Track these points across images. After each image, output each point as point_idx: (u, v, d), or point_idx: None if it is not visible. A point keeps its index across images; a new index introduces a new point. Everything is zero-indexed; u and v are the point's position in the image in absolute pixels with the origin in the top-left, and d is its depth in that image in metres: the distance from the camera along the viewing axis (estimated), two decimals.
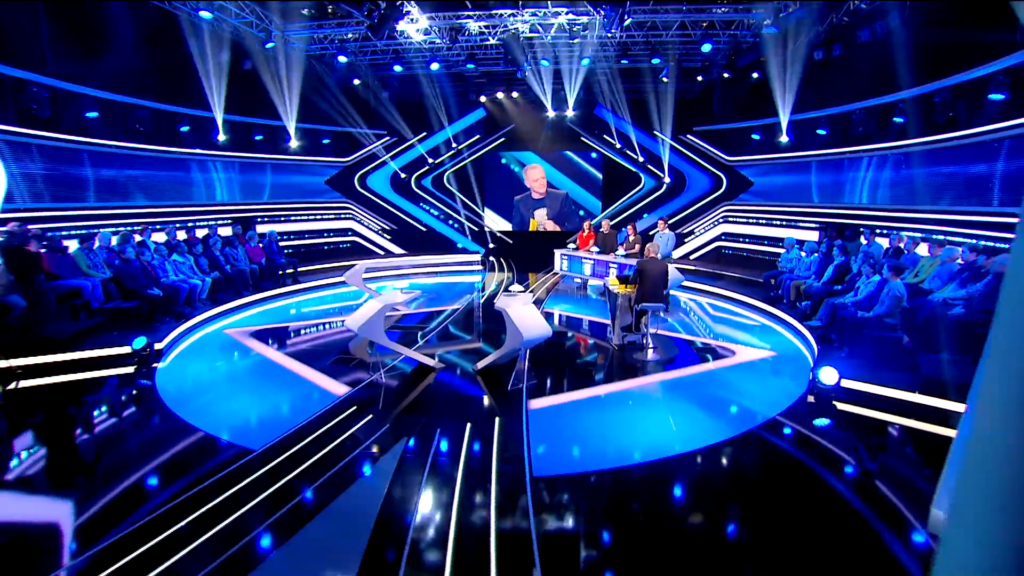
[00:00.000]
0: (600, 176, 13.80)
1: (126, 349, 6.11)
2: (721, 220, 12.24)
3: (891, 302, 5.30)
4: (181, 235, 9.57)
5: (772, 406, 4.94)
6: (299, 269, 10.52)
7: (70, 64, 7.80)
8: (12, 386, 5.40)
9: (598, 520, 3.33)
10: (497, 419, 4.67)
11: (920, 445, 4.35)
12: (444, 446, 4.19)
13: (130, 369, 6.04)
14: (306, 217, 12.66)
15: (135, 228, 8.87)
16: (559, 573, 2.82)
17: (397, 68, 11.72)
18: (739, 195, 11.93)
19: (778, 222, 10.90)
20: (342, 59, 10.70)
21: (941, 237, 6.77)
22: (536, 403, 5.03)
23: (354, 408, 4.84)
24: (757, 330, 7.70)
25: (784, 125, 9.71)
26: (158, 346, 6.37)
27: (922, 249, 7.10)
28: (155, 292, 7.18)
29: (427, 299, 9.60)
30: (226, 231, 10.63)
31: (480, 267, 12.97)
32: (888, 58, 7.52)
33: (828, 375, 4.97)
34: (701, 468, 4.01)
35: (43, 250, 6.35)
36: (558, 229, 13.99)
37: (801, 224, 10.42)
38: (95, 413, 4.97)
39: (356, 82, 12.02)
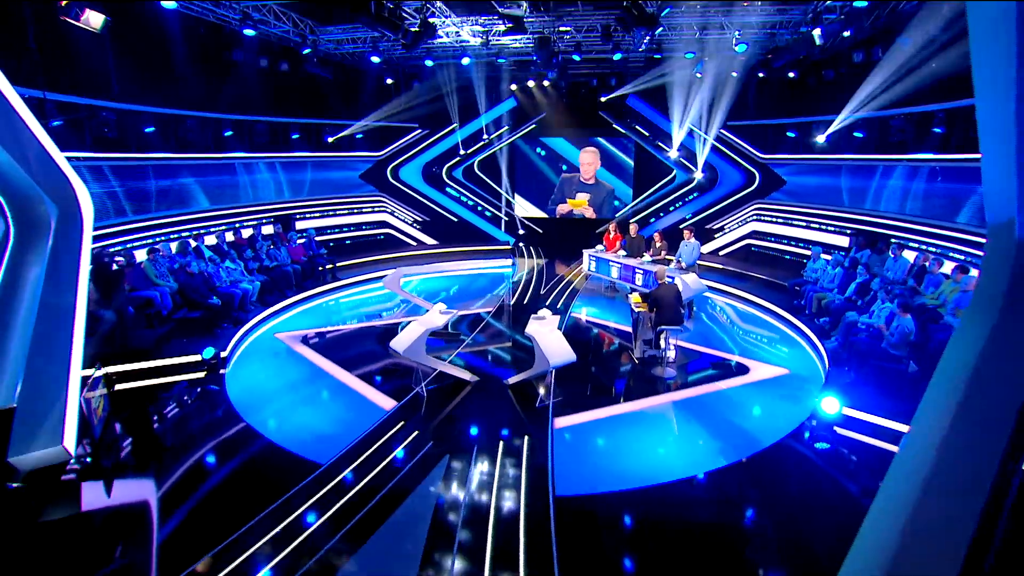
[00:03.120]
0: (632, 164, 14.18)
1: (196, 357, 7.20)
2: (753, 218, 12.54)
3: (899, 338, 5.82)
4: (229, 236, 10.63)
5: (773, 432, 5.63)
6: (337, 265, 11.49)
7: (131, 86, 8.70)
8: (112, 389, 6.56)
9: (614, 539, 4.17)
10: (526, 438, 5.52)
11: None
12: (481, 462, 5.07)
13: (201, 374, 7.15)
14: (343, 211, 13.57)
15: (191, 234, 9.94)
16: None
17: (428, 63, 12.27)
18: (771, 193, 12.17)
19: (810, 224, 11.18)
20: (375, 59, 11.29)
21: (963, 258, 7.08)
22: (561, 421, 5.85)
23: (402, 424, 5.77)
24: (776, 341, 8.27)
25: (839, 124, 9.58)
26: (223, 354, 7.43)
27: (947, 268, 7.41)
28: (214, 301, 8.23)
29: (461, 299, 10.46)
30: (268, 229, 11.65)
31: (511, 256, 13.76)
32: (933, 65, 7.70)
33: (830, 404, 5.59)
34: (702, 494, 4.77)
35: (123, 266, 7.40)
36: (593, 216, 14.54)
37: (831, 228, 10.70)
38: (188, 423, 6.05)
39: (389, 82, 12.63)
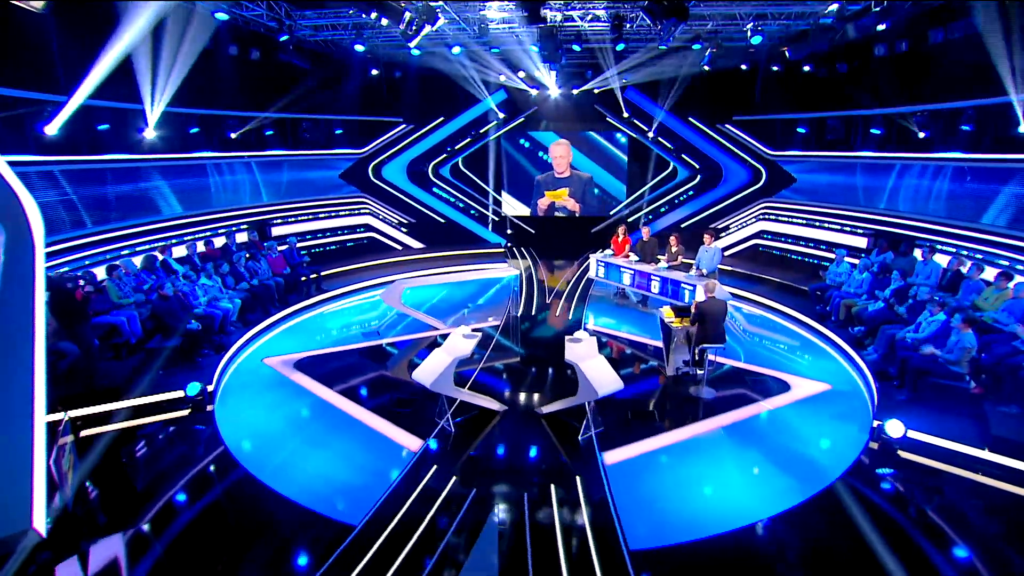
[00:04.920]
0: (625, 159, 13.86)
1: (178, 393, 6.41)
2: (760, 217, 12.44)
3: (960, 353, 5.66)
4: (199, 246, 9.71)
5: (836, 458, 5.38)
6: (322, 274, 10.71)
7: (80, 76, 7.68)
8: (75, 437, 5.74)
9: None
10: (578, 479, 5.07)
11: (994, 507, 4.77)
12: (535, 513, 4.59)
13: (184, 413, 6.38)
14: (323, 215, 12.72)
15: (156, 247, 8.99)
16: None
17: (415, 52, 11.54)
18: (779, 191, 12.08)
19: (822, 223, 11.12)
20: (359, 48, 10.50)
21: (1006, 263, 7.03)
22: (611, 457, 5.43)
23: (435, 468, 5.22)
24: (805, 351, 8.10)
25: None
26: (209, 388, 6.66)
27: (987, 274, 7.33)
28: (194, 326, 7.41)
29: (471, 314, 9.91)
30: (242, 237, 10.75)
31: (505, 260, 13.24)
32: (961, 61, 7.62)
33: (894, 428, 5.38)
34: (789, 538, 4.43)
35: (87, 290, 6.51)
36: (578, 208, 14.18)
37: (846, 228, 10.67)
38: (176, 474, 5.30)
39: (374, 72, 11.84)
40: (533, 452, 5.60)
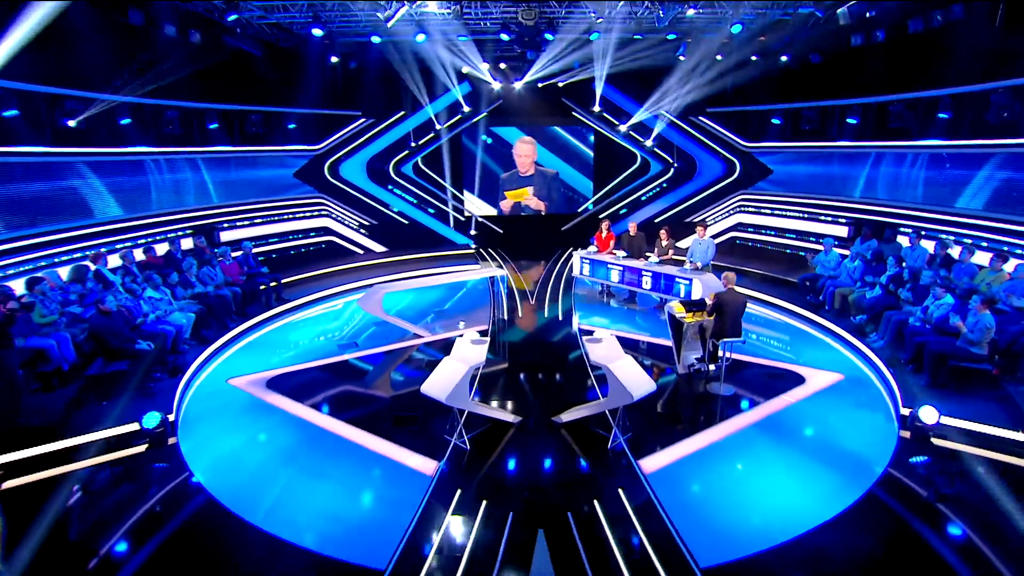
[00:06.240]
0: (591, 155, 13.70)
1: (132, 426, 5.48)
2: (737, 209, 12.59)
3: (981, 333, 5.73)
4: (138, 254, 8.60)
5: (876, 449, 5.28)
6: (281, 282, 9.79)
7: None
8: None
9: None
10: (621, 492, 4.66)
11: None
12: (583, 533, 4.13)
13: (140, 449, 5.47)
14: (275, 218, 11.71)
15: (86, 255, 7.84)
16: None
17: (375, 39, 10.86)
18: (756, 183, 12.27)
19: (802, 214, 11.35)
20: (317, 32, 9.71)
21: (1007, 250, 7.30)
22: (648, 464, 5.07)
23: (459, 493, 4.65)
24: (801, 339, 8.11)
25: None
26: (170, 417, 5.75)
27: (979, 258, 7.57)
28: (143, 346, 6.43)
29: (446, 317, 9.32)
30: (187, 243, 9.66)
31: (477, 261, 12.71)
32: (939, 50, 7.90)
33: (928, 414, 5.33)
34: (857, 538, 4.20)
35: (11, 307, 5.45)
36: (543, 207, 13.88)
37: (823, 217, 10.93)
38: (147, 528, 4.43)
39: (334, 59, 11.03)
40: (562, 465, 5.14)
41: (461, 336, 5.78)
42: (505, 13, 10.19)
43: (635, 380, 5.13)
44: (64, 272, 7.54)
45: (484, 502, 4.53)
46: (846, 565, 3.92)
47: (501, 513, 4.39)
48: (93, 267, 7.65)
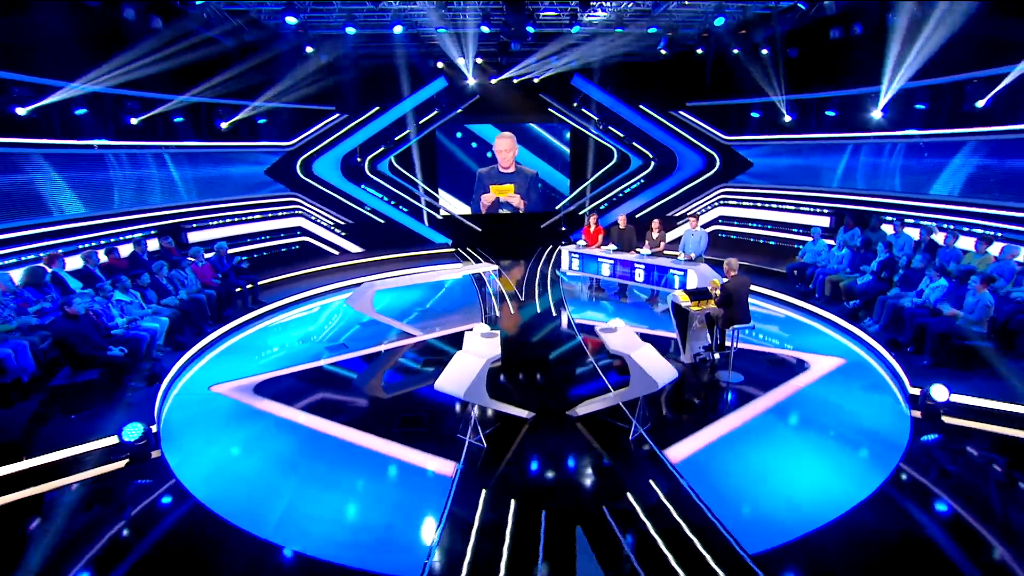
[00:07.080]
0: (567, 151, 13.66)
1: (109, 440, 5.00)
2: (718, 203, 12.78)
3: (981, 312, 5.91)
4: (102, 256, 7.96)
5: (892, 426, 5.37)
6: (258, 284, 9.28)
7: None
8: None
9: None
10: (652, 483, 4.52)
11: None
12: (624, 526, 3.96)
13: (120, 464, 4.99)
14: (247, 217, 11.14)
15: (40, 257, 7.20)
16: None
17: (350, 30, 10.50)
18: (736, 176, 12.49)
19: (783, 206, 11.61)
20: (290, 20, 9.28)
21: (992, 234, 7.60)
22: (673, 454, 4.96)
23: (484, 493, 4.41)
24: (796, 326, 8.23)
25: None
26: (153, 428, 5.27)
27: (963, 243, 7.85)
28: (116, 352, 5.91)
29: (432, 315, 9.02)
30: (154, 244, 9.04)
31: (457, 259, 12.43)
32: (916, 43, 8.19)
33: (939, 392, 5.43)
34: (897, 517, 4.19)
35: None
36: (523, 205, 13.78)
37: (804, 208, 11.21)
38: (160, 558, 3.99)
39: (309, 50, 10.58)
40: (584, 459, 4.96)
41: (471, 330, 5.54)
42: (487, 5, 10.04)
43: (658, 368, 5.02)
44: (17, 275, 6.88)
45: (513, 501, 4.31)
46: (892, 539, 3.90)
47: (533, 512, 4.18)
48: (49, 270, 7.01)
